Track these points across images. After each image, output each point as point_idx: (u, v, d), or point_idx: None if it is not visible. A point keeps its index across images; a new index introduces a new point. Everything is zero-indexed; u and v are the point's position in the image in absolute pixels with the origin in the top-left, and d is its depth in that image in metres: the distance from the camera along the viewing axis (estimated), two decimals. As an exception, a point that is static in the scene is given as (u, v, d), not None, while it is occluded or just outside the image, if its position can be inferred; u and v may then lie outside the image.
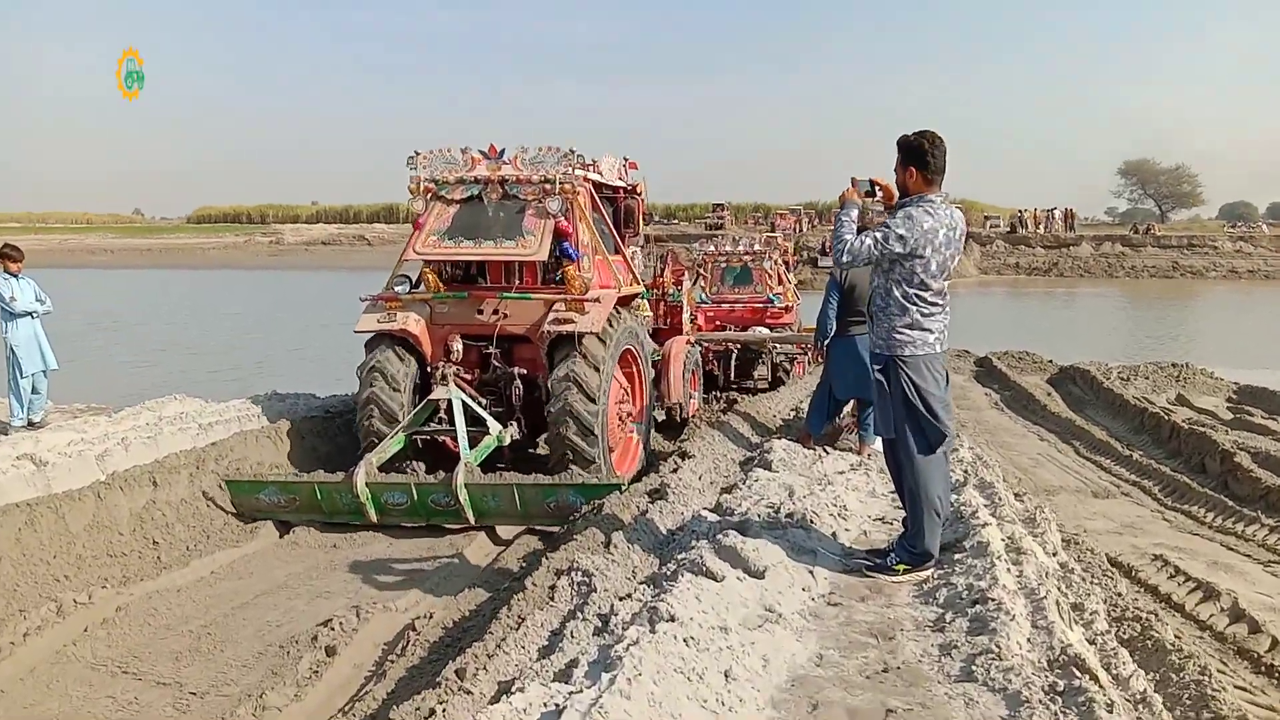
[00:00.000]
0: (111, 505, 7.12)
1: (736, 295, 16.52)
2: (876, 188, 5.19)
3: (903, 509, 5.40)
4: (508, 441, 8.22)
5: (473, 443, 7.87)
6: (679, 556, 5.19)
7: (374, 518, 7.53)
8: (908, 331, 4.96)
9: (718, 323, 15.79)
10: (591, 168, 9.05)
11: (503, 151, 8.66)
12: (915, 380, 4.95)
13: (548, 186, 8.43)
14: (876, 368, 5.15)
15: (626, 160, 10.09)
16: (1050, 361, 17.98)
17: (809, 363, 15.20)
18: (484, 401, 8.44)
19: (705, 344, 14.29)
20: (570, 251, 8.44)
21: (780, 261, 17.23)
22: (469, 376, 8.52)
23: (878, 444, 8.10)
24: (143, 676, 5.26)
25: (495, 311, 8.51)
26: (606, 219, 9.35)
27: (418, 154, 8.78)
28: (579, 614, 4.46)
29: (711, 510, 6.36)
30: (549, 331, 8.07)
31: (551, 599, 4.76)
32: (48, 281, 9.00)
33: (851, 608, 4.71)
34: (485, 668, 4.10)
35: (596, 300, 8.18)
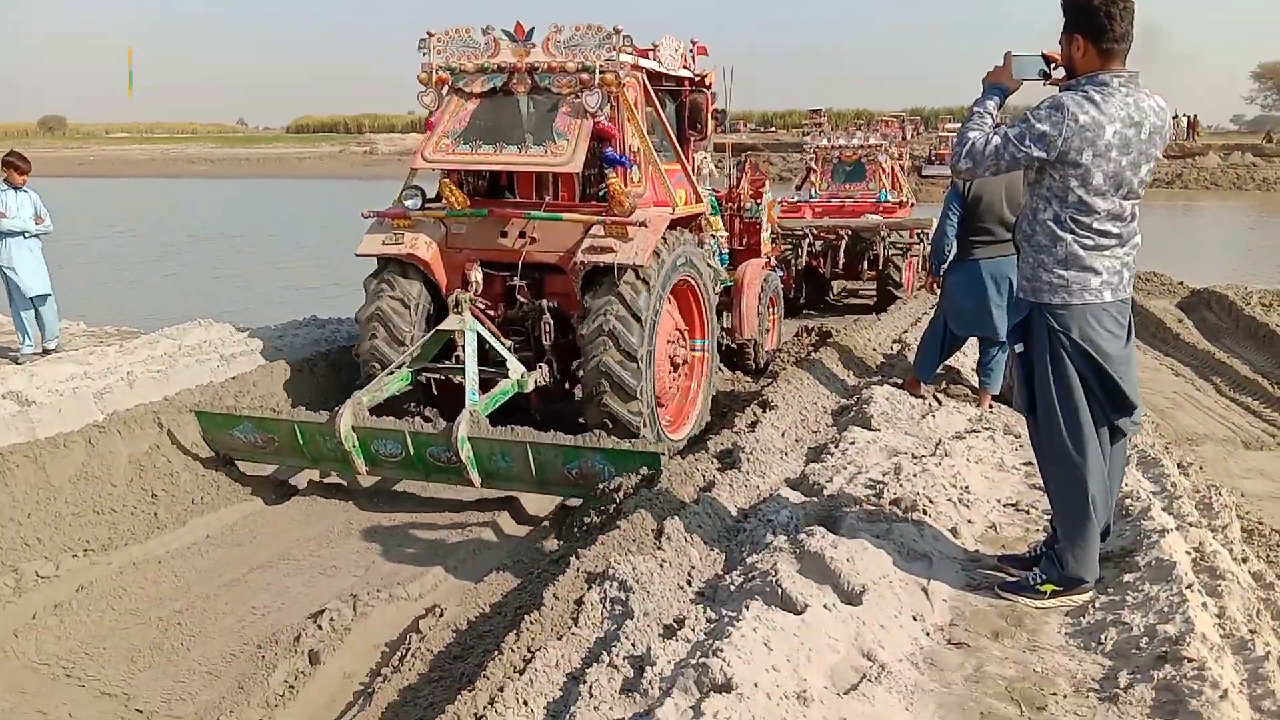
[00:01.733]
0: (105, 452, 6.17)
1: (848, 192, 15.77)
2: (1052, 66, 3.71)
3: (1044, 494, 4.08)
4: (530, 388, 6.81)
5: (487, 387, 6.54)
6: (749, 560, 3.97)
7: (362, 469, 6.19)
8: (1060, 271, 3.56)
9: (827, 217, 14.91)
10: (647, 54, 7.31)
11: (531, 32, 6.86)
12: (1069, 340, 3.57)
13: (585, 77, 6.65)
14: (1016, 318, 3.79)
15: (695, 44, 8.15)
16: (1180, 284, 15.98)
17: (919, 269, 13.93)
18: (510, 344, 7.00)
19: (812, 232, 13.89)
20: (614, 157, 6.80)
21: (896, 156, 16.39)
22: (491, 312, 7.06)
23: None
24: (87, 683, 4.29)
25: (521, 235, 6.95)
26: (664, 119, 7.62)
27: (430, 35, 7.07)
28: (606, 653, 3.29)
29: (795, 486, 5.11)
30: (581, 262, 6.55)
31: (575, 623, 3.59)
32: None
33: (982, 651, 3.44)
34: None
35: (643, 224, 6.51)
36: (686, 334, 7.51)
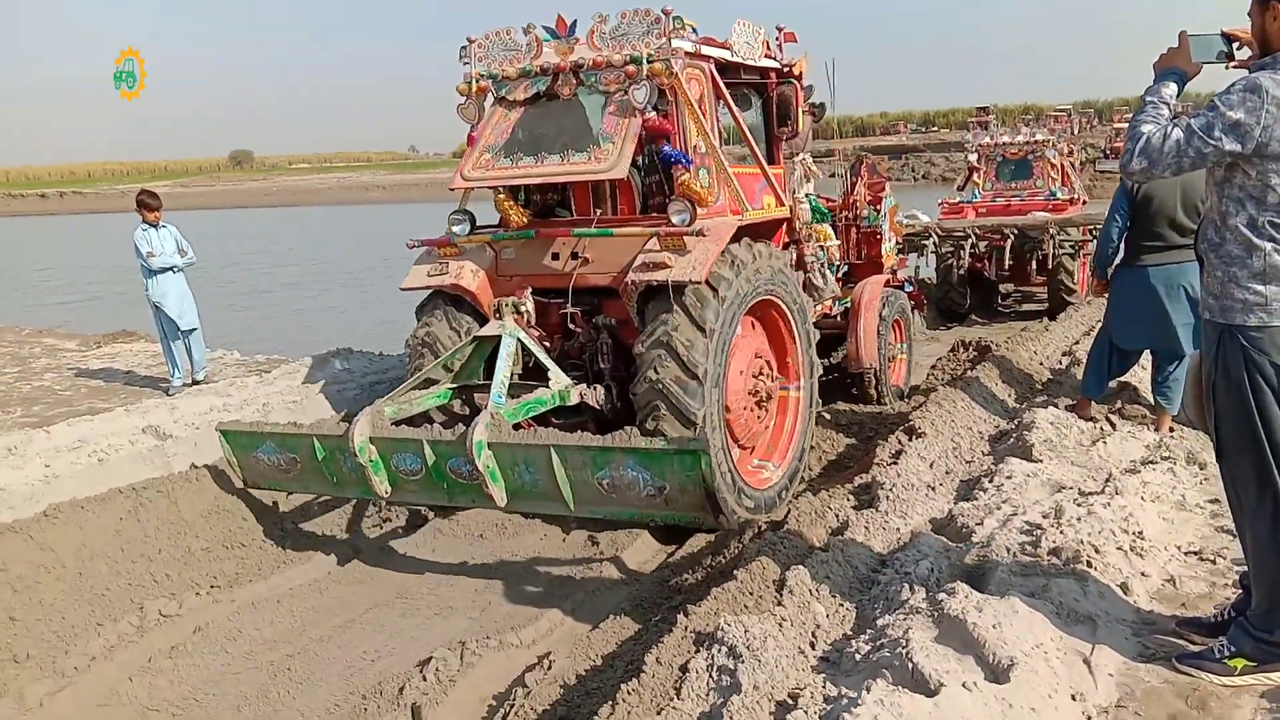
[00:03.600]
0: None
1: (1014, 190, 14.91)
2: (1235, 45, 3.13)
3: (1238, 542, 3.46)
4: (573, 400, 5.93)
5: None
6: (880, 623, 3.50)
7: (383, 490, 5.37)
8: (1257, 287, 2.97)
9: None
10: (718, 43, 6.45)
11: (574, 25, 6.07)
12: (1271, 368, 2.97)
13: (632, 69, 5.78)
14: (1207, 342, 3.20)
15: (781, 31, 7.27)
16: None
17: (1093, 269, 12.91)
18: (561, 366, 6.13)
19: (975, 232, 13.10)
20: (673, 153, 5.90)
21: (1066, 152, 15.39)
22: (548, 344, 6.25)
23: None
24: (191, 732, 4.21)
25: (573, 255, 6.16)
26: (738, 115, 6.69)
27: (470, 41, 6.38)
28: (706, 738, 2.90)
29: (940, 529, 4.58)
30: (633, 283, 5.71)
31: (677, 694, 3.21)
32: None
33: (1157, 744, 2.88)
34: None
35: (701, 234, 5.62)
36: (774, 368, 6.54)
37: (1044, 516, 4.36)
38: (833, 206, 8.62)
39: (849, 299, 8.17)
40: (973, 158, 15.47)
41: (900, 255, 9.62)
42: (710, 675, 3.27)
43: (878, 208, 8.79)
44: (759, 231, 6.40)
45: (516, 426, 5.30)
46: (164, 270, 8.15)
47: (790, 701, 3.09)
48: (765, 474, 6.41)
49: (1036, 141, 14.96)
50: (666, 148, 5.93)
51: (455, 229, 6.56)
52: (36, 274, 27.15)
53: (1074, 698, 3.06)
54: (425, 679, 4.26)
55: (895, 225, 9.10)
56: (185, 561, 5.65)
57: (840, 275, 8.36)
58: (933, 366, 8.93)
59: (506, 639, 4.64)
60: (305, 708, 4.32)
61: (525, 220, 6.48)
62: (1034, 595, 3.54)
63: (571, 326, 6.21)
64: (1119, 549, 3.99)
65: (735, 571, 4.12)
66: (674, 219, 5.72)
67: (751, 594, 3.93)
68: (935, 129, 67.31)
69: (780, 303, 6.41)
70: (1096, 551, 3.91)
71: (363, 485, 5.43)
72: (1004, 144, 15.18)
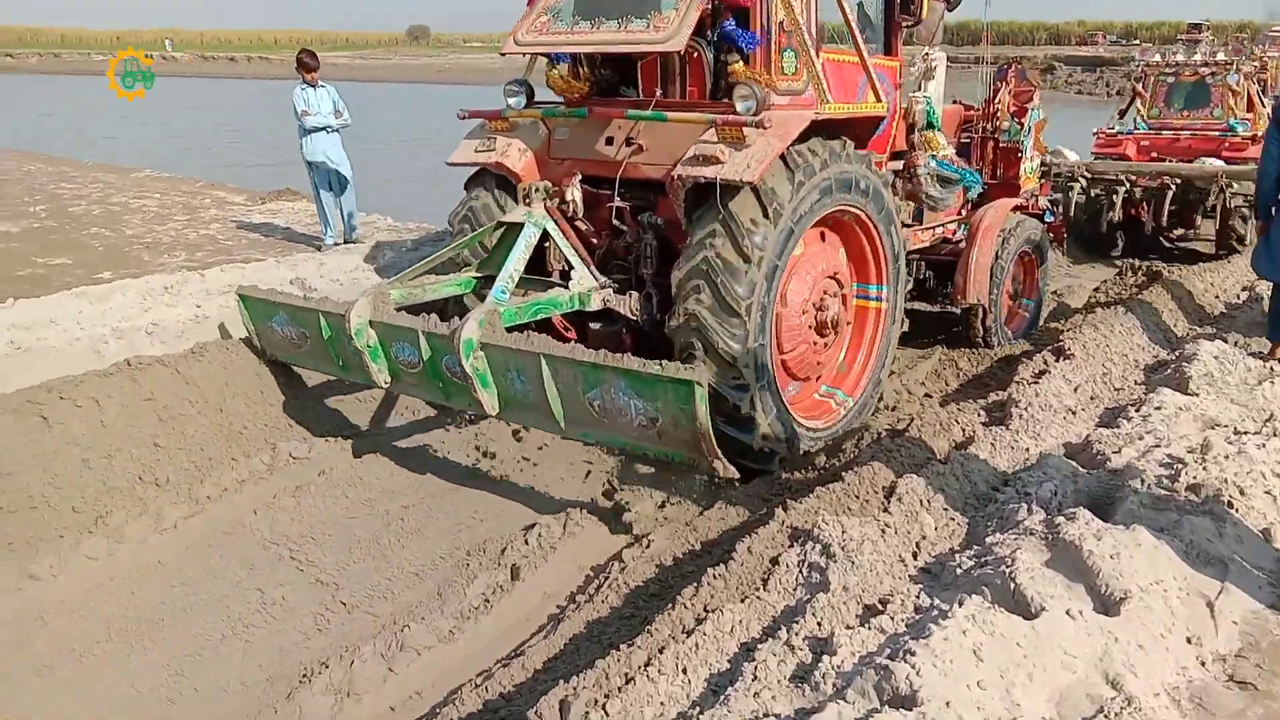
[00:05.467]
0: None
1: (1185, 121, 12.53)
2: None
3: None
4: (593, 305, 5.29)
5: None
6: (988, 540, 3.33)
7: (382, 380, 4.98)
8: None
9: (1154, 154, 12.09)
10: None
11: None
12: None
13: None
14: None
15: None
16: None
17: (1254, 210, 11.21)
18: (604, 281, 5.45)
19: (1129, 178, 10.85)
20: (736, 33, 5.13)
21: (1255, 79, 12.66)
22: (595, 241, 5.58)
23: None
24: (305, 568, 4.43)
25: (628, 142, 5.38)
26: None
27: None
28: (787, 629, 2.82)
29: (1073, 454, 4.32)
30: (679, 178, 4.90)
31: (764, 585, 3.15)
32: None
33: (1274, 698, 2.65)
34: (606, 705, 2.62)
35: (761, 126, 4.73)
36: (852, 278, 5.79)
37: (1189, 451, 4.04)
38: (970, 116, 7.69)
39: (967, 223, 7.20)
40: (1136, 80, 13.13)
41: (1044, 179, 8.32)
42: (800, 571, 3.19)
43: (1021, 121, 7.60)
44: (852, 131, 5.45)
45: (523, 328, 4.79)
46: (318, 129, 8.32)
47: (879, 606, 2.98)
48: (833, 405, 5.77)
49: (1216, 62, 12.46)
50: (729, 24, 5.17)
51: (511, 101, 5.86)
52: (223, 133, 28.42)
53: (1190, 640, 2.85)
54: (528, 543, 4.36)
55: (1040, 143, 7.94)
56: (318, 409, 5.87)
57: (970, 195, 7.42)
58: (1095, 289, 8.34)
59: (609, 515, 4.68)
60: (411, 558, 4.48)
61: (579, 96, 5.80)
62: (1163, 530, 3.29)
63: (617, 224, 5.48)
64: (1267, 493, 3.67)
65: (845, 473, 3.98)
66: (738, 106, 4.89)
67: (858, 497, 3.80)
68: (1138, 42, 62.28)
69: (858, 211, 5.53)
70: (1241, 493, 3.60)
71: (366, 371, 5.02)
72: (1177, 64, 12.76)
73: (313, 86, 8.36)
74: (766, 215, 4.80)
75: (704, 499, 4.88)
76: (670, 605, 3.14)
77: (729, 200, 4.77)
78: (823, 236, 5.58)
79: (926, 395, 6.39)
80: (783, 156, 4.86)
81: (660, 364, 4.02)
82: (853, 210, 5.48)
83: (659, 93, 5.64)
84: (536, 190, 5.29)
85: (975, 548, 3.33)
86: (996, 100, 7.55)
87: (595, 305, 5.31)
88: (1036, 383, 5.14)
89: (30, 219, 10.28)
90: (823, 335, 5.54)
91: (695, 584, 3.25)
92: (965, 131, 7.60)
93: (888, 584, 3.16)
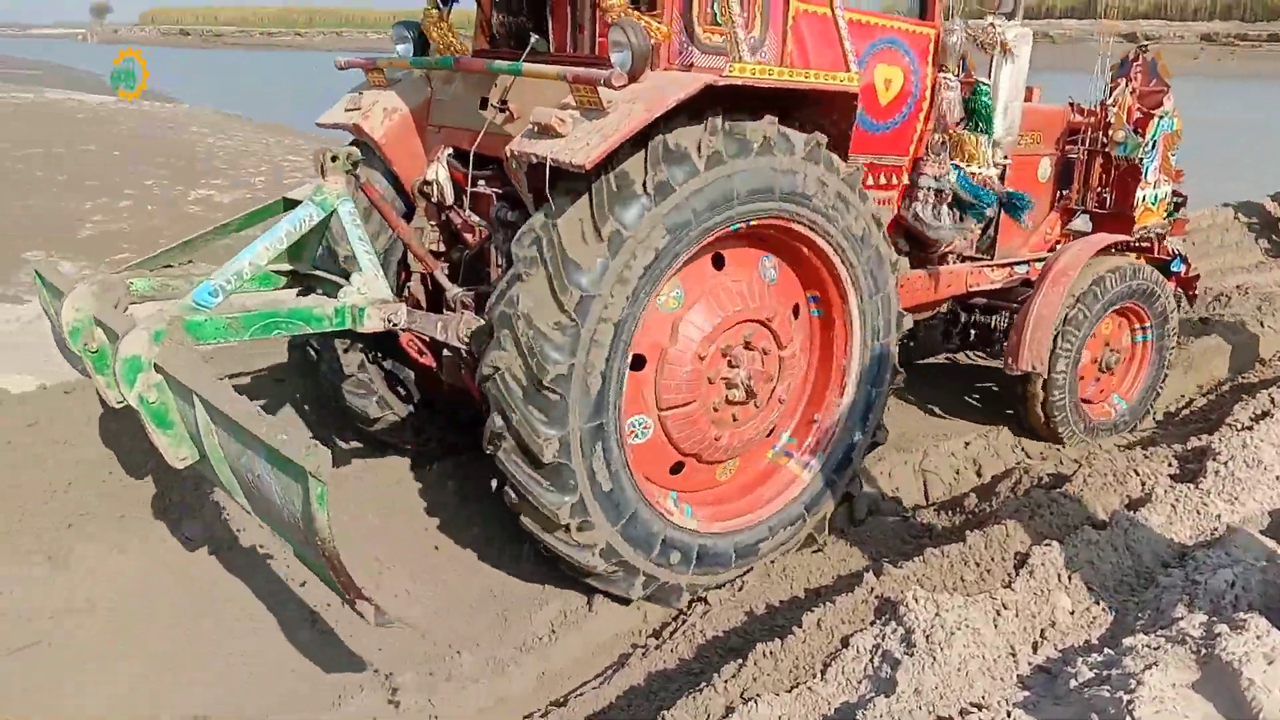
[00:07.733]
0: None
1: None
2: None
3: None
4: (371, 327, 3.77)
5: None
6: (1124, 644, 2.63)
7: (113, 400, 3.30)
8: None
9: None
10: None
11: None
12: None
13: None
14: None
15: None
16: None
17: None
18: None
19: None
20: None
21: None
22: (470, 237, 4.22)
23: None
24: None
25: (502, 105, 4.01)
26: None
27: None
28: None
29: (1278, 529, 3.46)
30: (513, 154, 3.44)
31: (820, 675, 2.58)
32: None
33: None
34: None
35: (610, 84, 3.25)
36: (778, 329, 4.00)
37: None
38: (1078, 125, 5.86)
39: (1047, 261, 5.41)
40: None
41: (1174, 215, 6.11)
42: (871, 660, 2.62)
43: (1143, 131, 5.71)
44: (829, 113, 3.96)
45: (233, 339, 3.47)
46: None
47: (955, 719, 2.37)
48: (737, 509, 4.07)
49: None
50: None
51: (399, 49, 4.48)
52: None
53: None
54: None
55: (1168, 161, 5.90)
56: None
57: (1063, 228, 5.94)
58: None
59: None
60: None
61: (450, 44, 4.35)
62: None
63: (460, 216, 4.21)
64: None
65: (967, 532, 3.32)
66: (611, 57, 3.39)
67: (978, 565, 3.16)
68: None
69: (805, 225, 3.86)
70: None
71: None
72: None
73: None
74: (600, 235, 3.29)
75: (819, 536, 4.29)
76: (702, 685, 2.65)
77: (562, 204, 3.36)
78: (729, 262, 3.94)
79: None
80: (648, 142, 3.35)
81: (286, 431, 2.71)
82: (796, 226, 3.85)
83: (568, 45, 4.22)
84: (334, 159, 3.89)
85: (1107, 651, 2.63)
86: (1112, 102, 5.79)
87: (373, 325, 3.76)
88: (1250, 429, 4.22)
89: (247, 189, 10.81)
90: (735, 404, 3.91)
91: (740, 660, 2.73)
92: (1073, 143, 5.89)
93: (980, 687, 2.54)
